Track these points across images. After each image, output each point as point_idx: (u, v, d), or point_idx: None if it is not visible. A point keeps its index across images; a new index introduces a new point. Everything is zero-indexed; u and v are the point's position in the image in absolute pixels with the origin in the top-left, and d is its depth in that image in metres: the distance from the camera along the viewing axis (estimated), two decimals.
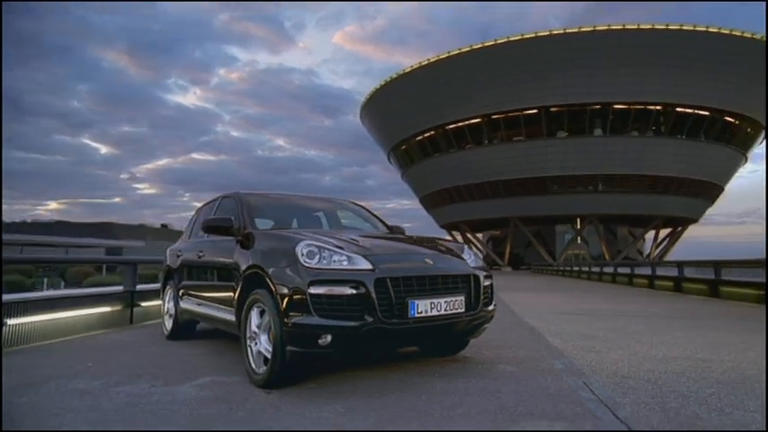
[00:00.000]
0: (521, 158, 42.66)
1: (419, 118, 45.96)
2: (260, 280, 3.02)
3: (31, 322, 4.80)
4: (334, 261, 2.78)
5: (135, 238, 54.15)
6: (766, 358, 3.63)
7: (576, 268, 25.49)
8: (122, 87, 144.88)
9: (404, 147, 50.80)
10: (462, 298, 3.03)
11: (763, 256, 9.81)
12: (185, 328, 4.79)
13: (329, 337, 2.62)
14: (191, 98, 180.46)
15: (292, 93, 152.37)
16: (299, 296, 2.67)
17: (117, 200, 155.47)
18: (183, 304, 4.58)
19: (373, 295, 2.68)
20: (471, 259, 3.41)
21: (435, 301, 2.88)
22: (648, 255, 50.33)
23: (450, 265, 3.20)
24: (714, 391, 2.74)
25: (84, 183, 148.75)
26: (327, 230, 4.03)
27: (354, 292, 2.67)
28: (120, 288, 6.63)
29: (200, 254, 4.22)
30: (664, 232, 51.04)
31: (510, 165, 43.10)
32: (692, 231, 51.72)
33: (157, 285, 7.34)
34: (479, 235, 56.18)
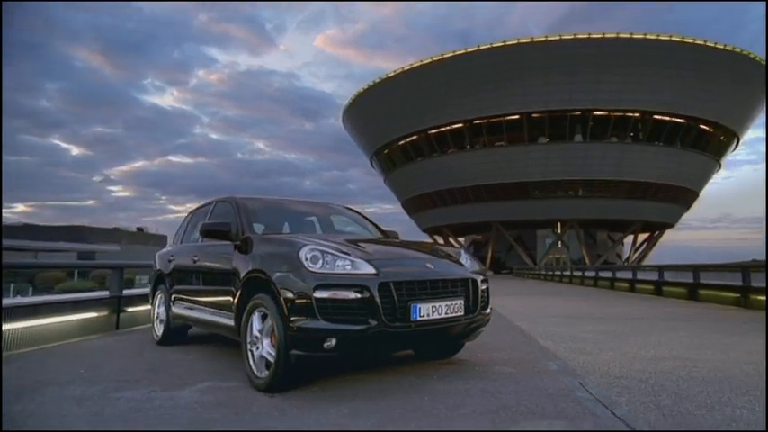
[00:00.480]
0: (502, 163, 43.17)
1: (402, 123, 46.13)
2: (261, 284, 3.03)
3: (13, 329, 4.68)
4: (338, 265, 2.81)
5: (109, 242, 52.60)
6: (766, 358, 3.77)
7: (558, 272, 25.88)
8: (95, 87, 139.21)
9: (386, 151, 50.94)
10: (461, 301, 3.10)
11: (738, 260, 10.14)
12: (177, 333, 4.73)
13: (334, 341, 2.64)
14: (168, 99, 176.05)
15: (273, 95, 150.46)
16: (304, 300, 2.68)
17: (89, 202, 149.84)
18: (176, 309, 4.53)
19: (377, 299, 2.71)
20: (469, 263, 3.48)
21: (436, 304, 2.93)
22: (627, 259, 51.36)
23: (450, 269, 3.26)
24: (702, 389, 2.86)
25: (53, 185, 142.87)
26: (326, 235, 4.05)
27: (359, 296, 2.70)
28: (106, 293, 6.53)
29: (195, 258, 4.19)
30: (642, 237, 52.20)
31: (492, 170, 43.57)
32: (668, 236, 53.08)
33: (141, 291, 7.26)
34: (461, 239, 56.55)
